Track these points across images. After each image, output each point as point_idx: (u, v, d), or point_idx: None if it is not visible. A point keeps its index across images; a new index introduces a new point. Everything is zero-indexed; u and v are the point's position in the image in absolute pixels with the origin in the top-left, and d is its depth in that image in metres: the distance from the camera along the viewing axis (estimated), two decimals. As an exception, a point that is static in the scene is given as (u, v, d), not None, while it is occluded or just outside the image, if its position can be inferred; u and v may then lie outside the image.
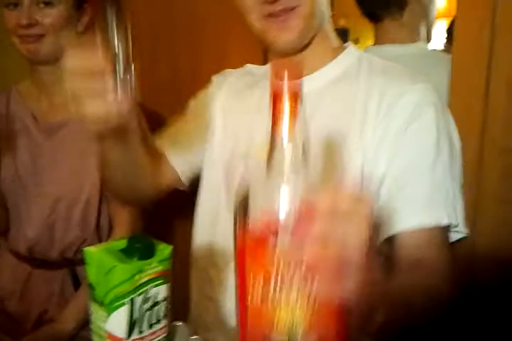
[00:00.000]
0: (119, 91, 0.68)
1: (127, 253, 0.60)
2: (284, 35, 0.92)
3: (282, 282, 0.52)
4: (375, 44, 1.48)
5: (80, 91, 0.69)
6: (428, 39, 1.50)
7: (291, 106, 0.52)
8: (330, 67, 0.99)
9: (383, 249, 0.93)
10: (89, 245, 1.22)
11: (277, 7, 0.89)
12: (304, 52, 0.96)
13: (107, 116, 0.71)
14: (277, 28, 0.92)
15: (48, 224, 1.26)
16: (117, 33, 0.68)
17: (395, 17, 1.41)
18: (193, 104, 1.15)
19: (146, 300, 0.61)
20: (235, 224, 0.56)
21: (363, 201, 0.51)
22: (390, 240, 0.91)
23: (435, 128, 0.90)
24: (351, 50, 1.01)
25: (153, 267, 0.61)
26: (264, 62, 1.34)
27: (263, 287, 0.53)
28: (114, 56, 0.68)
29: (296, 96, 0.52)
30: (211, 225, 1.07)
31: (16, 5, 1.19)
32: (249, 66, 1.16)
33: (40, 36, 1.20)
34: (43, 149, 1.28)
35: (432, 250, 0.89)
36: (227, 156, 1.06)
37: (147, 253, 0.60)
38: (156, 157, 1.06)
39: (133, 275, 0.59)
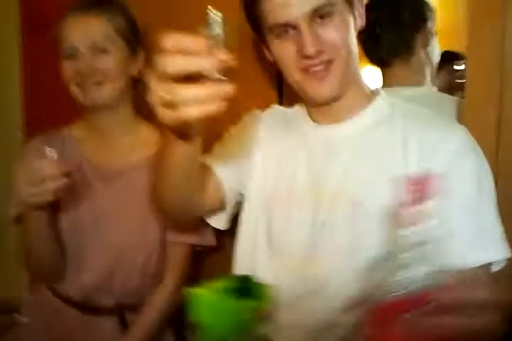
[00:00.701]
0: (214, 92, 0.65)
1: (235, 293, 0.61)
2: (321, 90, 0.99)
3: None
4: (383, 87, 1.55)
5: (176, 95, 0.65)
6: (432, 81, 1.59)
7: None
8: (367, 113, 1.04)
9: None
10: (145, 291, 1.26)
11: (314, 61, 0.96)
12: (340, 100, 1.02)
13: (199, 116, 0.67)
14: (315, 82, 0.98)
15: (107, 272, 1.25)
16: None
17: (403, 62, 1.50)
18: (232, 134, 1.18)
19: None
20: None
21: None
22: None
23: (475, 171, 0.96)
24: (383, 95, 1.07)
25: (258, 306, 0.62)
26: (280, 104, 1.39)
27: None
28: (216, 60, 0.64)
29: None
30: (250, 263, 1.09)
31: (74, 56, 1.22)
32: (277, 108, 1.21)
33: (100, 83, 1.23)
34: (101, 196, 1.28)
35: (484, 286, 0.93)
36: (268, 195, 1.09)
37: (252, 293, 0.62)
38: (204, 170, 1.07)
39: (243, 315, 0.60)
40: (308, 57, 0.95)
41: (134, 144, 1.33)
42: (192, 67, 0.64)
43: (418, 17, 1.48)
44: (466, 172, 0.95)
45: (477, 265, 0.92)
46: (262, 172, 1.12)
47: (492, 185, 0.99)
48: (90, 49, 1.22)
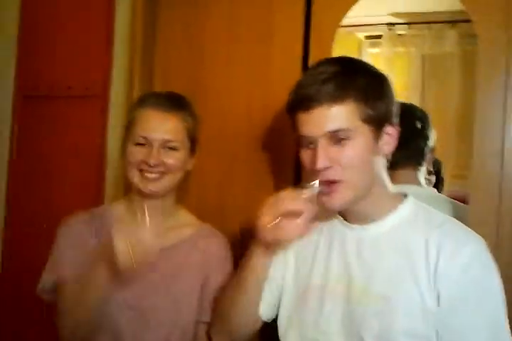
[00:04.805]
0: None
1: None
2: (331, 203, 1.10)
3: None
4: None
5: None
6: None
7: None
8: (394, 216, 1.14)
9: None
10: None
11: (323, 177, 1.07)
12: (364, 206, 1.12)
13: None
14: (326, 195, 1.09)
15: None
16: None
17: (416, 167, 1.61)
18: None
19: None
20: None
21: None
22: None
23: (482, 283, 1.05)
24: (410, 198, 1.16)
25: None
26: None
27: None
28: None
29: None
30: None
31: (145, 145, 1.29)
32: None
33: (162, 175, 1.29)
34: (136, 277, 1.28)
35: None
36: (302, 286, 1.18)
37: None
38: None
39: None
40: (318, 171, 1.07)
41: (172, 227, 1.38)
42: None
43: (427, 127, 1.61)
44: (476, 283, 1.04)
45: None
46: (296, 267, 1.22)
47: (502, 291, 1.06)
48: (162, 145, 1.29)
